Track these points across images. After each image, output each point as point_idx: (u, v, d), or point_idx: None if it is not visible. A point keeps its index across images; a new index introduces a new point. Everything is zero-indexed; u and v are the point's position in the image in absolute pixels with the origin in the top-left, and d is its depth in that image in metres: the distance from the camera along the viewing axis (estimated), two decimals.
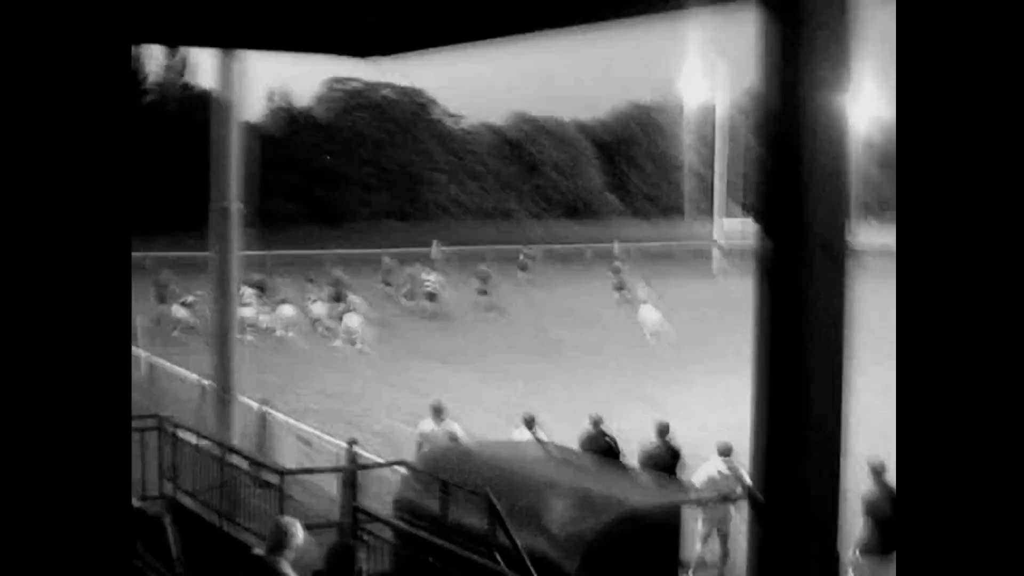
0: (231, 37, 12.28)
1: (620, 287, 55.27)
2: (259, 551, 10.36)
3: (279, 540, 9.93)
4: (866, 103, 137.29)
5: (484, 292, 53.78)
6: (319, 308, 45.85)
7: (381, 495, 18.36)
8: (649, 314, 44.93)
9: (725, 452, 17.52)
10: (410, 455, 19.95)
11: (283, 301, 45.10)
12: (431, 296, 51.02)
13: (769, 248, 4.86)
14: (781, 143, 4.78)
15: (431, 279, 52.31)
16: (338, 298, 47.91)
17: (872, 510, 14.98)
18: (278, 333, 43.60)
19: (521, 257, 72.17)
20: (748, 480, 15.09)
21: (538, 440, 19.40)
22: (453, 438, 19.78)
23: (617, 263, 64.74)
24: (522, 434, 19.79)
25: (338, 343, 41.89)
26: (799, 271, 4.67)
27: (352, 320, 42.47)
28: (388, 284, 55.69)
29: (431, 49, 11.12)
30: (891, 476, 15.70)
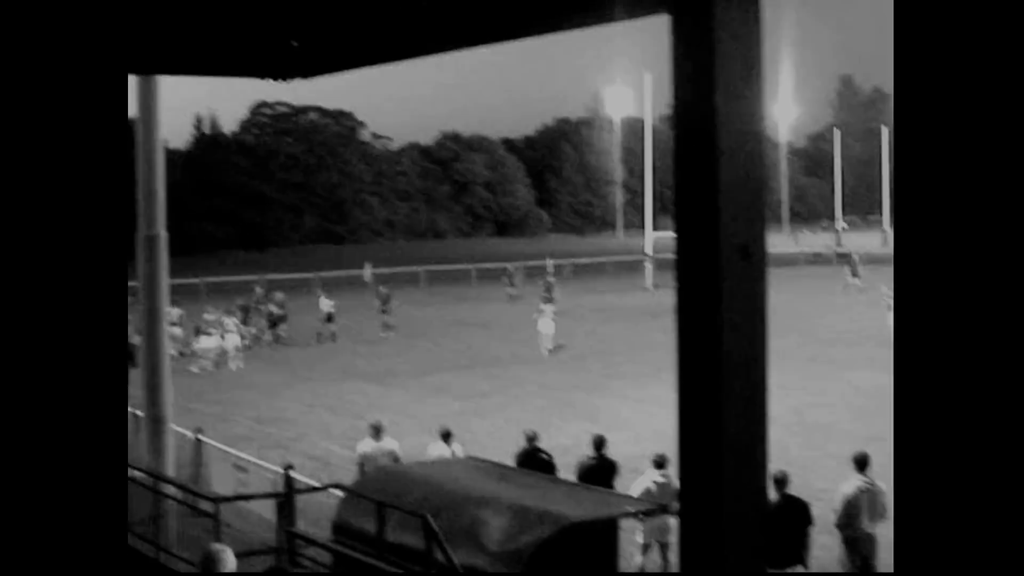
0: (150, 62, 12.19)
1: (549, 300, 55.41)
2: None
3: (209, 568, 9.85)
4: (785, 109, 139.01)
5: (384, 311, 53.52)
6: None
7: (319, 519, 18.29)
8: (544, 326, 45.54)
9: (660, 464, 17.59)
10: (347, 477, 19.89)
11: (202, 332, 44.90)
12: (273, 322, 51.17)
13: (686, 254, 4.89)
14: (696, 150, 4.81)
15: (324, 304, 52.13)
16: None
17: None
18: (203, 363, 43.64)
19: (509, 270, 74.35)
20: None
21: (455, 453, 19.62)
22: (393, 457, 19.79)
23: (550, 278, 64.98)
24: (438, 448, 19.95)
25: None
26: (716, 275, 4.69)
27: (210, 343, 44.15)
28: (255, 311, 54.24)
29: (353, 69, 11.09)
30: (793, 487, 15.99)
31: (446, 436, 20.25)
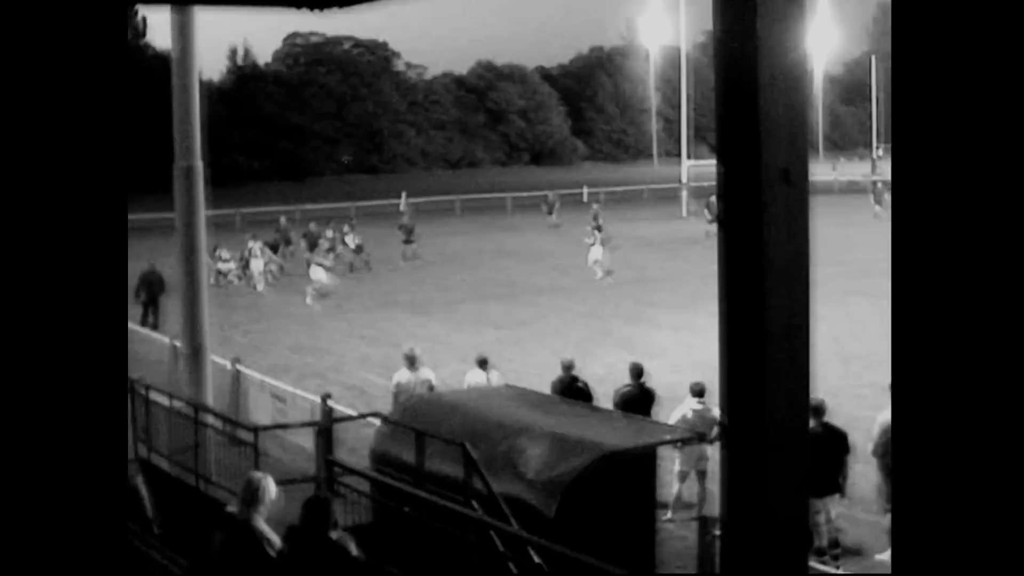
0: None
1: (598, 228, 55.24)
2: (232, 508, 10.34)
3: (252, 495, 9.91)
4: (825, 36, 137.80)
5: (409, 242, 53.41)
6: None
7: (357, 448, 18.37)
8: (596, 253, 45.57)
9: (698, 392, 17.58)
10: (384, 407, 19.95)
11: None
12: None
13: (729, 178, 4.84)
14: (737, 75, 4.74)
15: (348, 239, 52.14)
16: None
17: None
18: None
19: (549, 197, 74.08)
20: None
21: (491, 380, 19.67)
22: (429, 386, 19.82)
23: (595, 206, 64.65)
24: (475, 375, 19.98)
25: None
26: (758, 199, 4.63)
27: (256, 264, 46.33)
28: (288, 243, 54.37)
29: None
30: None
31: (483, 363, 20.29)
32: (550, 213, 70.68)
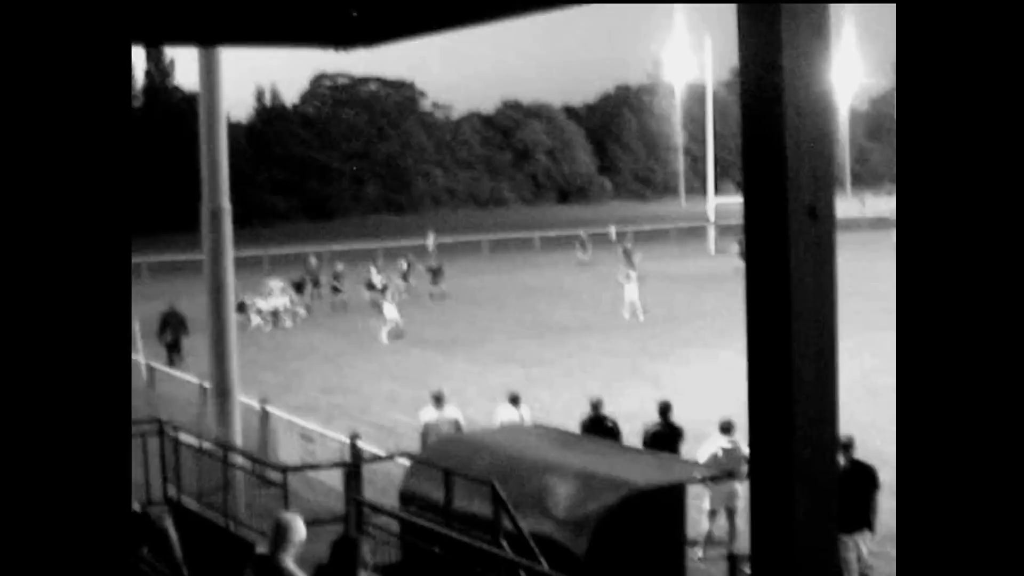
0: (211, 33, 12.21)
1: (632, 267, 55.39)
2: (262, 549, 10.34)
3: (281, 536, 9.89)
4: (850, 72, 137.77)
5: (435, 283, 53.81)
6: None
7: (386, 488, 18.37)
8: (631, 293, 45.54)
9: (727, 429, 17.54)
10: (413, 446, 19.96)
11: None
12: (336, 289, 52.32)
13: (755, 215, 4.83)
14: (763, 110, 4.74)
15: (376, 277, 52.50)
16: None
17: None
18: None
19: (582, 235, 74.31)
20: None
21: (522, 417, 19.72)
22: (456, 425, 19.84)
23: (628, 244, 64.60)
24: (507, 411, 20.02)
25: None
26: (784, 236, 4.63)
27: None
28: (316, 284, 54.79)
29: (414, 37, 11.06)
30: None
31: (514, 400, 20.34)
32: (583, 251, 70.79)
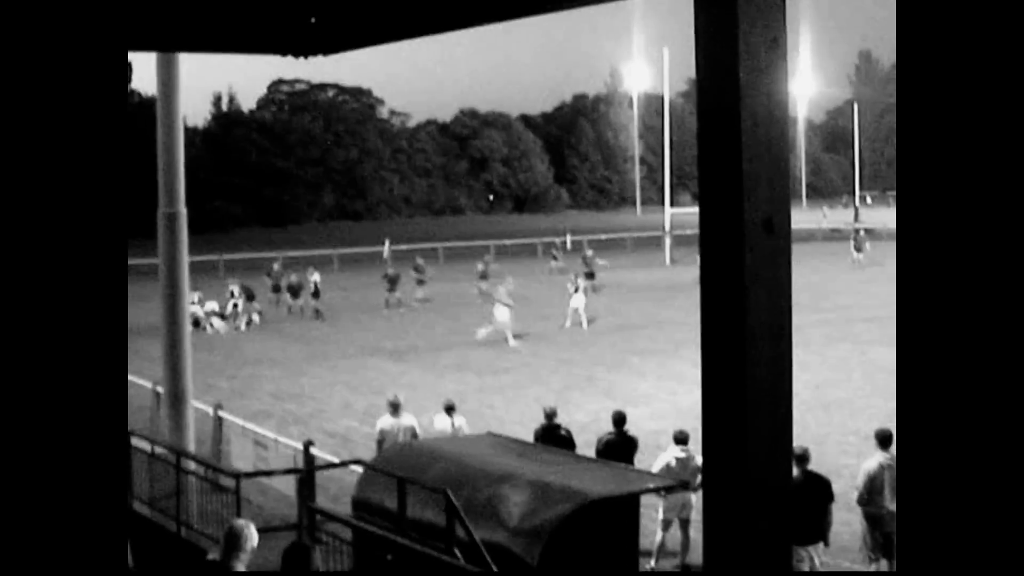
0: (170, 39, 12.17)
1: (591, 276, 55.72)
2: (214, 555, 10.30)
3: (233, 543, 9.86)
4: (806, 84, 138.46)
5: (392, 290, 53.57)
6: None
7: (339, 496, 18.32)
8: (578, 301, 45.80)
9: (681, 440, 17.56)
10: (366, 455, 19.91)
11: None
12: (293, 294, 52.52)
13: (711, 227, 4.86)
14: (720, 123, 4.77)
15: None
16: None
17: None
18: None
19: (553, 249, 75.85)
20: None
21: (455, 424, 19.78)
22: (412, 433, 19.82)
23: (590, 252, 64.70)
24: (442, 420, 20.04)
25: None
26: (740, 248, 4.65)
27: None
28: (277, 290, 54.41)
29: (372, 45, 11.07)
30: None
31: (449, 409, 20.37)
32: (555, 259, 70.80)
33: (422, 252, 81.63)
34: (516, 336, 41.28)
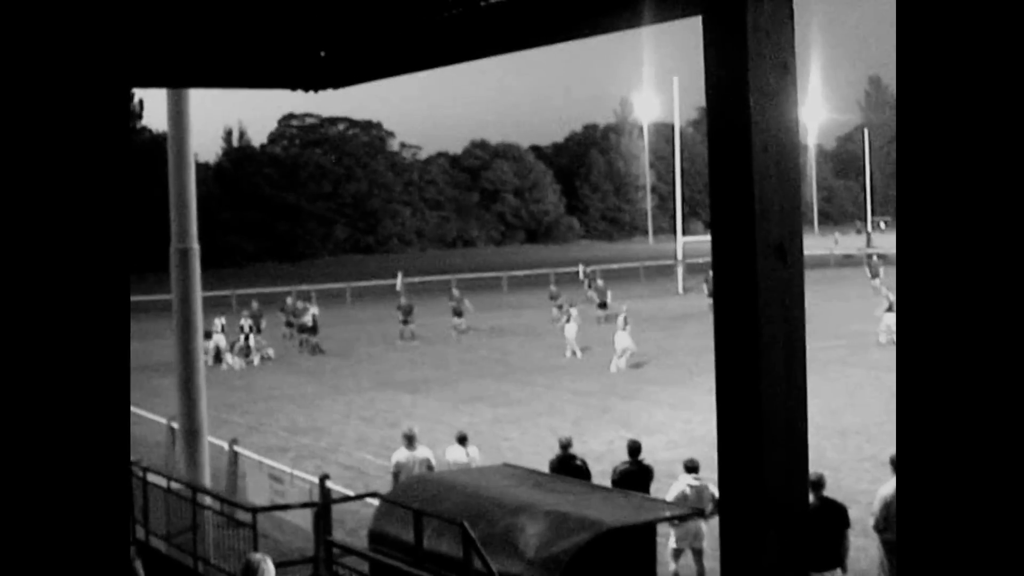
0: (181, 75, 12.24)
1: (603, 305, 55.90)
2: None
3: None
4: (816, 110, 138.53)
5: (407, 322, 53.52)
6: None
7: (356, 529, 18.30)
8: (570, 331, 46.43)
9: (692, 468, 17.52)
10: (382, 487, 19.90)
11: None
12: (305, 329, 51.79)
13: (723, 254, 4.87)
14: (730, 150, 4.78)
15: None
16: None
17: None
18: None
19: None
20: (716, 494, 15.21)
21: (470, 456, 19.77)
22: (427, 465, 19.80)
23: (600, 282, 64.63)
24: (455, 452, 20.03)
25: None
26: (752, 275, 4.66)
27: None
28: (290, 325, 54.49)
29: (382, 78, 11.11)
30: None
31: (462, 440, 20.36)
32: (590, 287, 70.57)
33: (436, 284, 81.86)
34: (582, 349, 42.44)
